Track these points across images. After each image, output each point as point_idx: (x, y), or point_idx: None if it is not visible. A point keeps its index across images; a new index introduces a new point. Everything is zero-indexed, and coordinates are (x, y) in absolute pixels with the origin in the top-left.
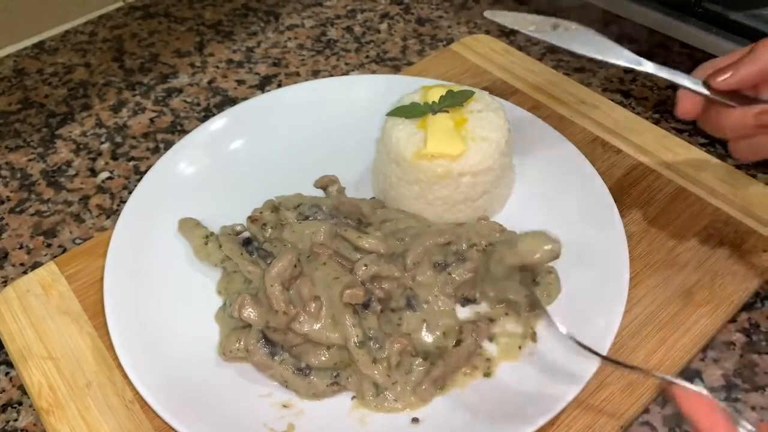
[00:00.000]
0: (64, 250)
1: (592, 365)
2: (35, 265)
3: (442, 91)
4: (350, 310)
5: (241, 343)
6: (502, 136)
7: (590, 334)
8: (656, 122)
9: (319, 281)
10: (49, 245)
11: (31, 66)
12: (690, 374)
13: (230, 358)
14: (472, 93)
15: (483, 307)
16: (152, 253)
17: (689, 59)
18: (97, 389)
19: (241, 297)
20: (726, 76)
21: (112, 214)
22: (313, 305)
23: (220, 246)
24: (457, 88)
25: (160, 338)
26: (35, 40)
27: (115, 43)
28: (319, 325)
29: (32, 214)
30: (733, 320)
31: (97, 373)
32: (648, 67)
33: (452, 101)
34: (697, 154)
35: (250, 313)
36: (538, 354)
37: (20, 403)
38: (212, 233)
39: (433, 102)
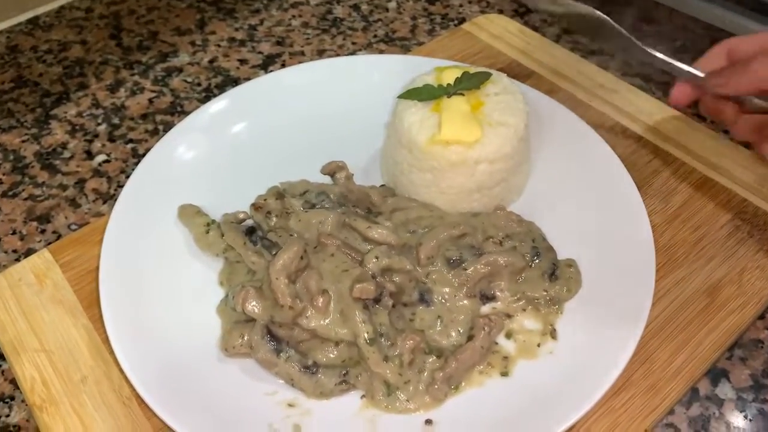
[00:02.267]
0: (59, 237)
1: (616, 367)
2: (28, 252)
3: (458, 73)
4: (360, 305)
5: (245, 338)
6: (521, 121)
7: (614, 333)
8: (679, 108)
9: (327, 274)
10: (42, 231)
11: (25, 43)
12: (716, 374)
13: (233, 354)
14: (489, 75)
15: (502, 304)
16: (150, 241)
17: (712, 42)
18: (93, 385)
19: (245, 290)
20: (720, 81)
21: (109, 198)
22: (321, 299)
23: (223, 235)
24: (473, 69)
25: (158, 332)
26: (29, 15)
27: (113, 19)
28: (327, 321)
29: (25, 198)
30: (761, 317)
31: (93, 367)
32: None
33: (468, 83)
34: (722, 141)
35: (254, 307)
36: (558, 352)
37: (12, 398)
38: (214, 221)
39: (448, 84)
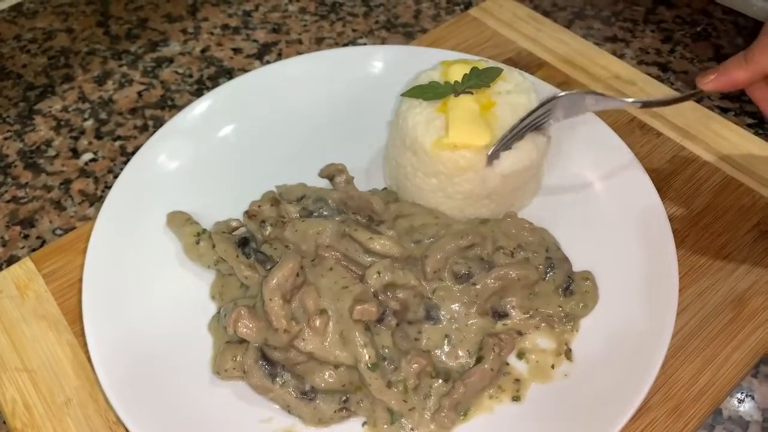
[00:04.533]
0: (43, 243)
1: (640, 391)
2: (11, 260)
3: (466, 68)
4: (361, 327)
5: (237, 359)
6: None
7: (636, 352)
8: (698, 100)
9: (326, 291)
10: (26, 236)
11: (8, 31)
12: (740, 393)
13: (225, 377)
14: (500, 71)
15: (514, 321)
16: (137, 251)
17: (733, 27)
18: (78, 408)
19: (237, 310)
20: (711, 77)
21: (96, 200)
22: (318, 320)
23: (214, 246)
24: (483, 64)
25: (145, 351)
26: (12, 1)
27: (100, 6)
28: (325, 343)
29: (8, 201)
30: None
31: (78, 388)
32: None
33: (478, 81)
34: (746, 137)
35: (247, 329)
36: (574, 375)
37: None
38: (204, 230)
39: (455, 81)
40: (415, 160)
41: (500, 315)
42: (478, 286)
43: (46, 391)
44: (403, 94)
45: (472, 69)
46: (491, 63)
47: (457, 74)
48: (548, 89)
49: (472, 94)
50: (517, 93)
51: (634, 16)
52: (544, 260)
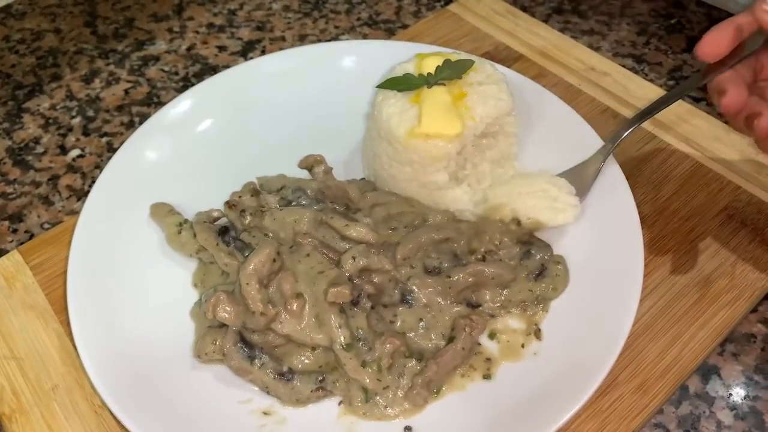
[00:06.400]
0: (31, 237)
1: (604, 366)
2: (0, 253)
3: (439, 60)
4: (336, 309)
5: (218, 343)
6: (506, 114)
7: (601, 330)
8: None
9: (302, 276)
10: (14, 231)
11: None
12: (706, 370)
13: (206, 361)
14: (471, 63)
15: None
16: (122, 241)
17: (706, 18)
18: (64, 393)
19: (216, 295)
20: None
21: (84, 195)
22: (295, 304)
23: (195, 235)
24: (455, 56)
25: (129, 337)
26: (1, 3)
27: (88, 6)
28: (301, 326)
29: None
30: (754, 310)
31: (64, 374)
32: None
33: (450, 72)
34: (716, 126)
35: (225, 313)
36: (543, 353)
37: None
38: (186, 221)
39: (429, 73)
40: (390, 150)
41: (473, 306)
42: (452, 278)
43: (33, 378)
44: (378, 86)
45: (444, 61)
46: (464, 55)
47: (430, 66)
48: (521, 80)
49: (444, 85)
50: (488, 84)
51: (611, 9)
52: (523, 245)
